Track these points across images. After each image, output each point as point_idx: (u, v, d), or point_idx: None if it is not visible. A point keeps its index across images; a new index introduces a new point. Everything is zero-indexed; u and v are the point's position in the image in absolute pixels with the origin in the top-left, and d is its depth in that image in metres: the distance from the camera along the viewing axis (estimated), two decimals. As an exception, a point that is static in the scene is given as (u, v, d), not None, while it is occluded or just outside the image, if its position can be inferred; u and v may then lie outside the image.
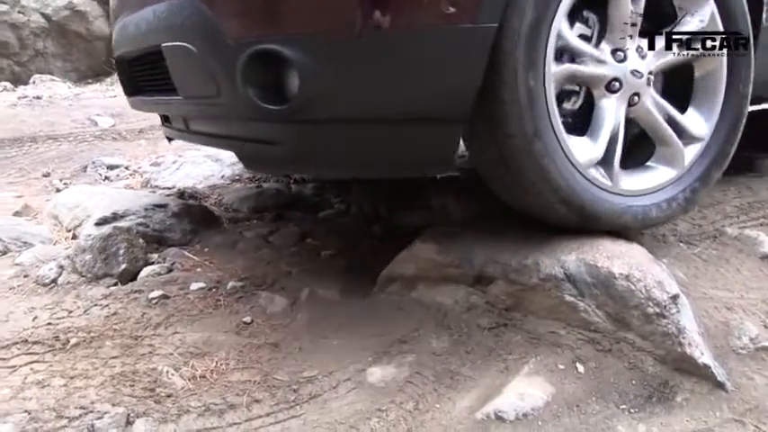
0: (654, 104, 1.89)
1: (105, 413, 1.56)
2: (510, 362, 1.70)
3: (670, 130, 1.92)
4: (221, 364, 1.78)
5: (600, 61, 1.78)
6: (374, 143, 1.66)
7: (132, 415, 1.57)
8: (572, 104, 1.89)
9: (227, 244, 2.63)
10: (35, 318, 2.06)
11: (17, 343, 1.88)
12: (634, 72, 1.82)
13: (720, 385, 1.59)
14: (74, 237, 2.83)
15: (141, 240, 2.51)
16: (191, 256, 2.48)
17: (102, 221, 2.70)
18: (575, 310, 1.73)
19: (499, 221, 2.07)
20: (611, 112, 1.82)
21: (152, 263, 2.44)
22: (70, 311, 2.10)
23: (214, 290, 2.21)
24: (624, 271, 1.70)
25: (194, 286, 2.22)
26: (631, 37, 1.81)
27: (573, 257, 1.77)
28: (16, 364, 1.78)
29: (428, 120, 1.60)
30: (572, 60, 1.77)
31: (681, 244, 2.11)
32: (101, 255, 2.38)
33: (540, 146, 1.67)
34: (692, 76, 1.99)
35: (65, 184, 4.15)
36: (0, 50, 11.68)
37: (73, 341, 1.88)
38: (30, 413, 1.57)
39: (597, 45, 1.80)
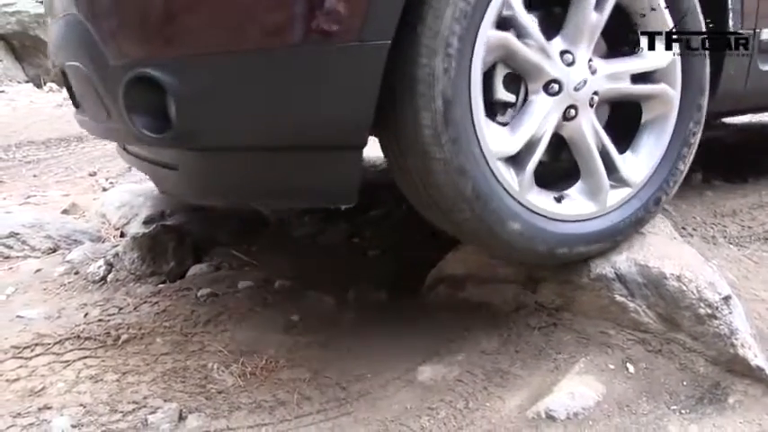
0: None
1: (158, 408, 1.60)
2: (560, 361, 1.70)
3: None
4: (270, 362, 1.80)
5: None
6: (268, 173, 1.52)
7: (185, 410, 1.60)
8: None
9: (276, 244, 2.66)
10: (86, 314, 2.10)
11: (70, 338, 1.92)
12: (578, 83, 1.64)
13: (775, 387, 1.57)
14: (122, 235, 2.88)
15: (189, 239, 2.54)
16: (239, 255, 2.51)
17: (149, 220, 2.75)
18: (625, 311, 1.72)
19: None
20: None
21: (200, 261, 2.48)
22: (120, 308, 2.14)
23: (262, 288, 2.23)
24: (675, 271, 1.68)
25: (242, 285, 2.25)
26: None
27: (623, 257, 1.76)
28: (69, 359, 1.82)
29: (320, 148, 1.45)
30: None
31: (731, 246, 2.09)
32: (149, 253, 2.42)
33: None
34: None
35: (111, 183, 4.22)
36: (45, 51, 11.90)
37: (124, 337, 1.92)
38: (84, 407, 1.61)
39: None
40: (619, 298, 1.73)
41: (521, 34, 1.55)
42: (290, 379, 1.74)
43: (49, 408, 1.60)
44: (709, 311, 1.62)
